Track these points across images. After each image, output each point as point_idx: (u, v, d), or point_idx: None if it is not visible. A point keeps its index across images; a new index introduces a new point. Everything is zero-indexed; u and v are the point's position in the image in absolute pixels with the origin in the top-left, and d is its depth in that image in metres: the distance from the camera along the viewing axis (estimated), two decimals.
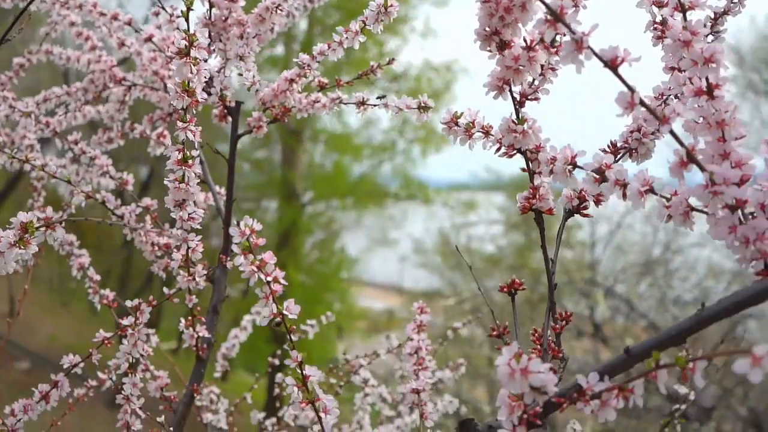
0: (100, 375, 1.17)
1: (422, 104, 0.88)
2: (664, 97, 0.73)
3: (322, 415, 0.68)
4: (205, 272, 0.95)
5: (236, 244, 0.65)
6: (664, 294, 6.99)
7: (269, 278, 0.66)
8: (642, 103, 0.53)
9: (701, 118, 0.57)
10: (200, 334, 1.01)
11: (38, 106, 1.22)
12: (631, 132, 0.72)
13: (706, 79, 0.57)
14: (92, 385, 1.17)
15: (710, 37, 0.77)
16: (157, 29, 1.15)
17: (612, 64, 0.53)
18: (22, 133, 1.29)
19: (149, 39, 1.09)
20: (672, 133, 0.54)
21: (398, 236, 13.61)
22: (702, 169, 0.54)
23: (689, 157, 0.54)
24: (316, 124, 13.70)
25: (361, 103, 0.99)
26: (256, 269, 0.65)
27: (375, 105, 0.98)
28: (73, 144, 1.16)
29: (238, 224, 0.64)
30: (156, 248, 1.07)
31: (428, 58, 11.03)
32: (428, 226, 11.40)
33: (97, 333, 1.00)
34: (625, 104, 0.54)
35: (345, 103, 1.01)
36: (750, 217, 0.55)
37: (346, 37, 0.94)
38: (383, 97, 0.96)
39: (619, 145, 0.73)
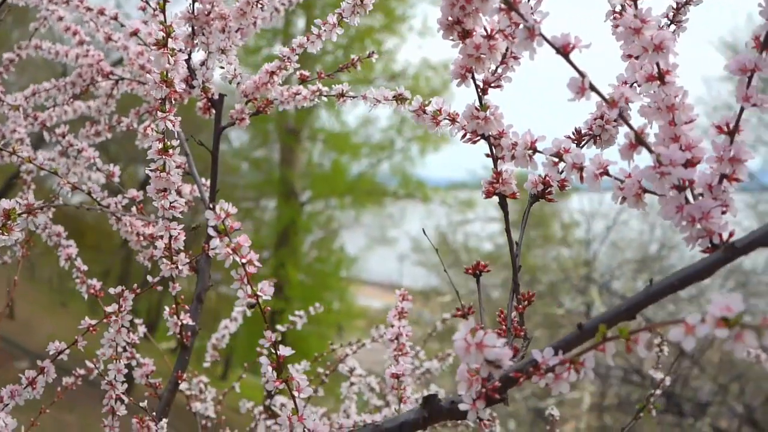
0: (88, 363, 1.19)
1: (398, 96, 0.90)
2: (627, 85, 0.75)
3: (295, 393, 0.70)
4: (188, 261, 0.97)
5: (212, 227, 0.67)
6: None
7: (244, 260, 0.68)
8: (592, 87, 0.56)
9: (654, 103, 0.60)
10: (184, 322, 1.04)
11: (26, 100, 1.24)
12: (595, 119, 0.74)
13: (657, 65, 0.59)
14: (80, 374, 1.19)
15: (672, 27, 0.79)
16: (143, 24, 1.17)
17: (564, 51, 0.56)
18: (12, 127, 1.31)
19: (135, 33, 1.12)
20: (621, 116, 0.56)
21: (397, 235, 13.63)
22: (650, 150, 0.57)
23: (638, 140, 0.57)
24: (314, 124, 13.72)
25: (341, 95, 1.02)
26: (231, 251, 0.68)
27: (353, 97, 1.01)
28: (60, 137, 1.18)
29: (213, 208, 0.67)
30: (141, 238, 1.09)
31: (426, 57, 11.04)
32: (425, 224, 11.43)
33: (82, 320, 1.02)
34: (576, 89, 0.56)
35: (325, 95, 1.04)
36: (699, 197, 0.58)
37: (324, 30, 0.96)
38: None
39: (583, 132, 0.75)
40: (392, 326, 1.02)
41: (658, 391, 1.12)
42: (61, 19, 1.27)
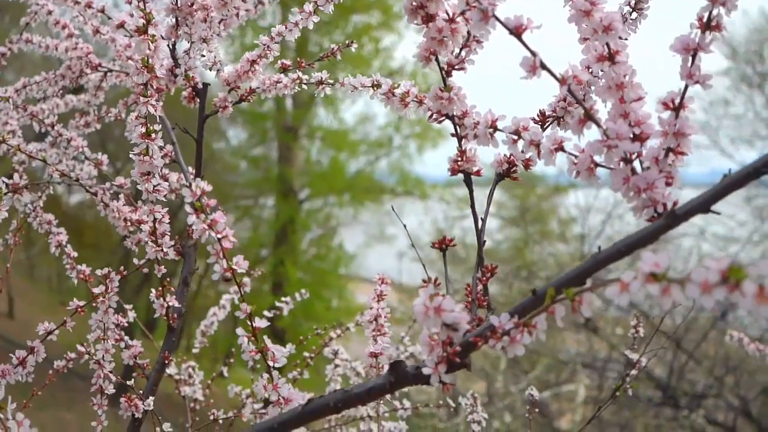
0: (80, 348, 1.22)
1: (375, 82, 0.93)
2: (591, 69, 0.79)
3: (270, 363, 0.74)
4: (173, 243, 1.01)
5: (188, 204, 0.70)
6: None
7: (220, 236, 0.71)
8: (543, 66, 0.59)
9: (605, 82, 0.63)
10: (170, 304, 1.07)
11: (17, 93, 1.27)
12: (558, 101, 0.78)
13: (607, 45, 0.62)
14: (71, 357, 1.23)
15: (634, 14, 0.82)
16: (129, 16, 1.20)
17: (517, 32, 0.59)
18: (3, 119, 1.34)
19: (121, 25, 1.15)
20: (570, 92, 0.60)
21: (395, 232, 13.66)
22: (598, 125, 0.60)
23: (587, 116, 0.60)
24: (312, 121, 13.74)
25: (320, 83, 1.05)
26: (207, 227, 0.71)
27: (331, 83, 1.04)
28: (49, 127, 1.21)
29: (189, 186, 0.70)
30: (128, 224, 1.13)
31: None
32: (423, 221, 11.46)
33: (70, 302, 1.06)
34: (528, 68, 0.59)
35: (305, 83, 1.07)
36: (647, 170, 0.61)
37: (302, 18, 1.00)
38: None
39: (547, 113, 0.78)
40: (371, 308, 1.05)
41: (634, 371, 1.16)
42: (50, 13, 1.30)
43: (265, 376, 0.74)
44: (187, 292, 1.12)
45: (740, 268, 0.40)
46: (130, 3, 1.18)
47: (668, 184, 0.59)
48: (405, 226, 1.06)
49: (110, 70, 1.30)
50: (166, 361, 1.09)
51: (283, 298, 1.52)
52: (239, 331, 0.74)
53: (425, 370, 0.63)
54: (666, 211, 0.57)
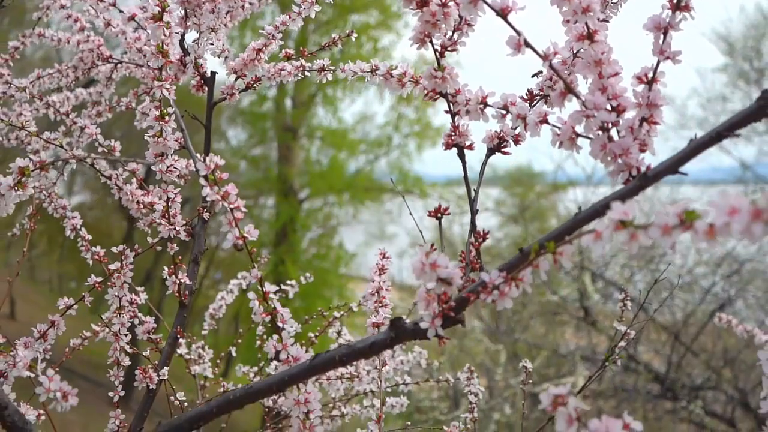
0: (95, 327, 1.28)
1: (374, 67, 0.99)
2: (575, 50, 0.84)
3: (279, 324, 0.80)
4: (185, 222, 1.07)
5: (202, 176, 0.76)
6: (654, 278, 7.12)
7: (232, 206, 0.77)
8: (527, 44, 0.65)
9: (584, 59, 0.69)
10: (182, 281, 1.13)
11: (32, 83, 1.33)
12: (545, 80, 0.83)
13: (586, 25, 0.68)
14: (86, 336, 1.28)
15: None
16: (140, 9, 1.26)
17: (503, 13, 0.65)
18: (18, 110, 1.40)
19: (132, 18, 1.20)
20: (552, 68, 0.66)
21: (395, 231, 13.69)
22: (578, 97, 0.66)
23: (567, 88, 0.66)
24: (311, 121, 13.78)
25: (322, 69, 1.11)
26: (220, 198, 0.77)
27: (332, 70, 1.10)
28: (64, 116, 1.27)
29: (204, 159, 0.76)
30: (141, 206, 1.18)
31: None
32: (423, 219, 11.47)
33: (88, 278, 1.12)
34: (514, 46, 0.65)
35: (308, 70, 1.13)
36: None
37: (304, 8, 1.06)
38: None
39: (535, 92, 0.84)
40: (373, 281, 1.11)
41: (623, 343, 1.22)
42: (63, 7, 1.36)
43: (275, 336, 0.80)
44: (197, 270, 1.18)
45: (693, 211, 0.46)
46: None
47: (642, 150, 0.65)
48: (418, 225, 1.11)
49: (120, 62, 1.36)
50: (178, 336, 1.14)
51: (288, 281, 1.58)
52: (251, 294, 0.80)
53: (423, 325, 0.69)
54: (639, 174, 0.63)
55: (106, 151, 1.23)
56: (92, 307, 1.30)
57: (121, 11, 1.26)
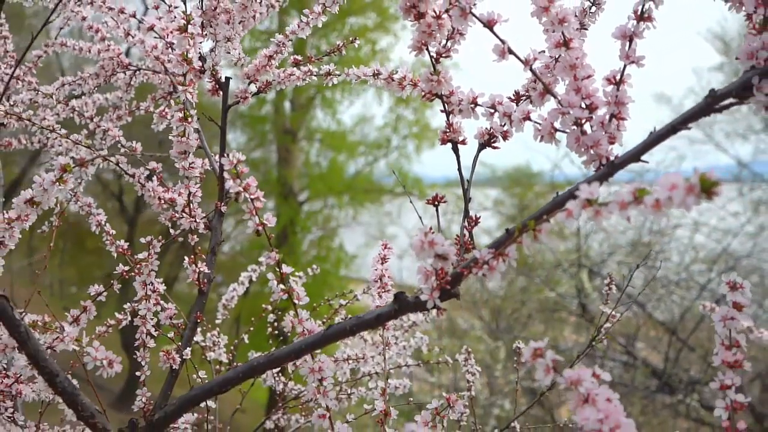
0: (117, 315, 1.38)
1: (375, 72, 1.09)
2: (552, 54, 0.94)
3: (295, 301, 0.90)
4: (204, 216, 1.17)
5: (226, 170, 0.86)
6: (652, 275, 7.23)
7: (253, 196, 0.87)
8: (510, 51, 0.75)
9: (560, 63, 0.79)
10: (201, 270, 1.23)
11: (57, 90, 1.43)
12: (530, 82, 0.93)
13: (563, 34, 0.78)
14: (110, 324, 1.38)
15: (593, 8, 0.98)
16: (157, 20, 1.36)
17: (489, 25, 0.75)
18: (42, 115, 1.50)
19: (151, 28, 1.30)
20: (532, 71, 0.76)
21: (395, 232, 13.77)
22: (555, 97, 0.76)
23: (546, 90, 0.76)
24: (310, 123, 13.86)
25: (327, 74, 1.21)
26: (242, 189, 0.87)
27: (338, 74, 1.20)
28: (89, 119, 1.37)
29: (228, 155, 0.86)
30: (162, 202, 1.28)
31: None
32: (422, 220, 11.57)
33: (116, 267, 1.22)
34: (498, 53, 0.75)
35: (315, 75, 1.23)
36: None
37: (312, 18, 1.16)
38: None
39: (521, 93, 0.94)
40: (376, 269, 1.21)
41: (608, 324, 1.31)
42: (84, 19, 1.46)
43: (291, 312, 0.89)
44: (215, 261, 1.28)
45: (645, 189, 0.56)
46: (157, 8, 1.34)
47: (611, 142, 0.75)
48: (421, 218, 1.21)
49: (139, 69, 1.46)
50: (198, 320, 1.24)
51: (297, 273, 1.68)
52: (270, 275, 0.90)
53: (422, 297, 0.79)
54: (608, 162, 0.73)
55: (128, 151, 1.33)
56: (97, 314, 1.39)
57: (140, 21, 1.36)
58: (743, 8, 0.70)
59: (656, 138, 0.70)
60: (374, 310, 0.83)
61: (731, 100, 0.68)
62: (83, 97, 1.44)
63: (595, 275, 6.40)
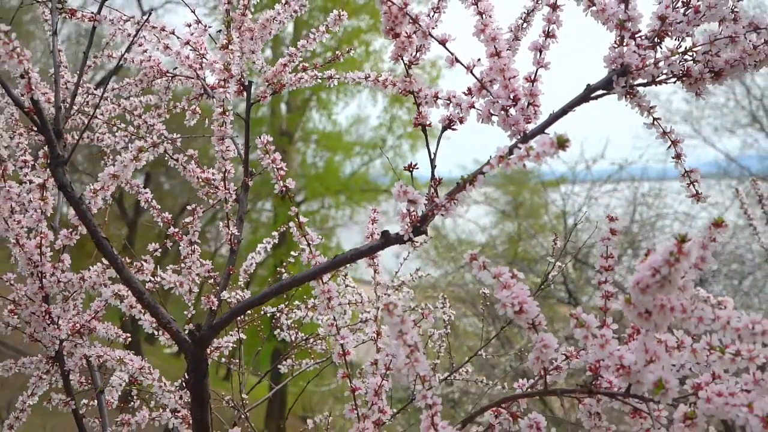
0: (163, 274, 1.71)
1: (367, 75, 1.43)
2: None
3: (309, 242, 1.24)
4: (236, 188, 1.51)
5: (259, 148, 1.20)
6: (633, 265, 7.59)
7: (278, 167, 1.22)
8: (457, 60, 1.09)
9: (492, 69, 1.13)
10: (233, 232, 1.57)
11: (110, 93, 1.77)
12: (475, 81, 1.28)
13: (494, 47, 1.12)
14: (157, 281, 1.72)
15: (525, 24, 1.33)
16: (191, 35, 1.70)
17: (442, 42, 1.09)
18: (95, 112, 1.84)
19: (188, 43, 1.65)
20: (472, 74, 1.10)
21: (392, 231, 14.00)
22: (489, 92, 1.10)
23: (482, 86, 1.10)
24: (307, 125, 14.16)
25: (330, 77, 1.56)
26: (271, 162, 1.21)
27: (338, 78, 1.55)
28: (137, 117, 1.71)
29: (259, 136, 1.20)
30: (200, 181, 1.63)
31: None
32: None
33: (150, 245, 1.56)
34: (448, 62, 1.09)
35: (320, 79, 1.57)
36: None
37: (318, 35, 1.51)
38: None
39: (471, 88, 1.28)
40: (368, 228, 1.55)
41: (554, 272, 1.65)
42: (129, 35, 1.80)
43: (307, 250, 1.24)
44: (242, 227, 1.62)
45: (562, 136, 0.90)
46: (189, 26, 1.68)
47: (527, 122, 1.10)
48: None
49: (175, 75, 1.80)
50: (231, 272, 1.58)
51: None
52: (291, 223, 1.24)
53: (401, 232, 1.13)
54: (523, 135, 1.08)
55: (170, 141, 1.67)
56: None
57: (179, 38, 1.71)
58: (607, 26, 1.04)
59: (551, 120, 1.05)
60: (367, 243, 1.18)
61: (602, 91, 1.02)
62: (130, 99, 1.78)
63: (580, 264, 6.77)
